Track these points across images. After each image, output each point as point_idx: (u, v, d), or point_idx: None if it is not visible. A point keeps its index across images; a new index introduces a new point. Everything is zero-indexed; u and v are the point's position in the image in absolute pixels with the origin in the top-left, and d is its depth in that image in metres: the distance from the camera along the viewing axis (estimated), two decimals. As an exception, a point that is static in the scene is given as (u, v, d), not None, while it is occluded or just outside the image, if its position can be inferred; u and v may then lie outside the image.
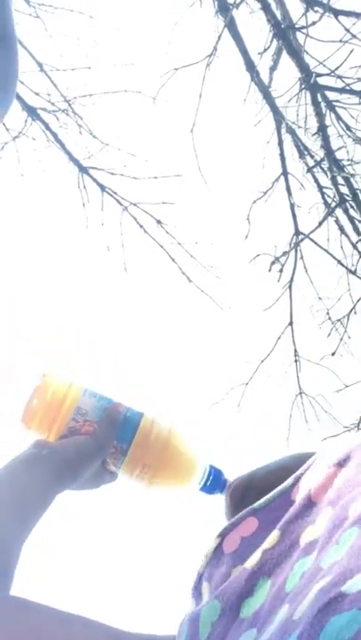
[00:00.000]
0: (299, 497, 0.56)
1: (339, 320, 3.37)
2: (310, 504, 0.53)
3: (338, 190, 3.17)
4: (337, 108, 3.07)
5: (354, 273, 3.27)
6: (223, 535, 0.60)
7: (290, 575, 0.48)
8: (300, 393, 3.55)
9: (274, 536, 0.53)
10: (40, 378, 0.84)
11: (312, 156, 3.16)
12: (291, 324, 3.42)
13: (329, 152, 3.07)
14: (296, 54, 2.82)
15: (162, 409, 0.88)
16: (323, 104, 3.01)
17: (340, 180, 3.15)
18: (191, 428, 0.87)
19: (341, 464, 0.54)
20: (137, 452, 0.82)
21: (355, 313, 3.34)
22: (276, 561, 0.51)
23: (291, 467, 0.61)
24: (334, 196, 3.19)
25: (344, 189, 3.19)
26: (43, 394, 0.82)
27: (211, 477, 0.81)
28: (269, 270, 3.08)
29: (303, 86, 2.90)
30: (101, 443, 0.79)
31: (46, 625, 0.59)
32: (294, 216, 3.29)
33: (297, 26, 2.74)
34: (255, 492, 0.61)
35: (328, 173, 3.13)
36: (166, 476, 0.83)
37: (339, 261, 3.26)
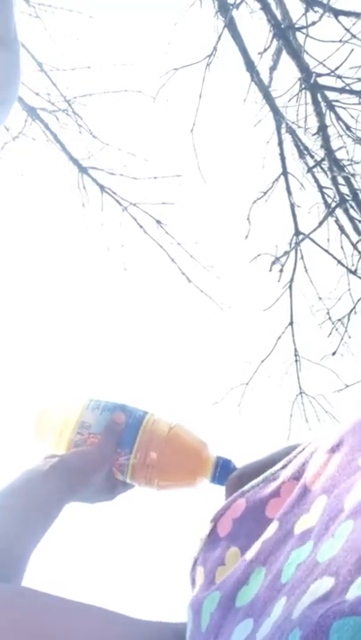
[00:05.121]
0: (287, 477, 0.57)
1: (339, 320, 3.37)
2: (305, 492, 0.53)
3: (338, 190, 3.17)
4: (337, 108, 3.06)
5: (354, 273, 3.27)
6: (216, 519, 0.61)
7: (285, 565, 0.48)
8: (301, 393, 3.55)
9: (273, 527, 0.53)
10: (45, 396, 0.87)
11: (312, 156, 3.16)
12: (291, 323, 3.42)
13: (329, 152, 3.07)
14: (296, 54, 2.81)
15: (164, 409, 0.88)
16: (323, 104, 3.01)
17: (340, 180, 3.14)
18: (199, 427, 0.87)
19: (334, 449, 0.54)
20: (138, 455, 0.82)
21: (355, 313, 3.34)
22: (271, 549, 0.51)
23: (285, 456, 0.62)
24: (334, 196, 3.19)
25: (344, 189, 3.19)
26: (48, 412, 0.86)
27: (219, 468, 0.81)
28: (270, 270, 3.08)
29: (303, 86, 2.90)
30: (103, 452, 0.82)
31: (45, 614, 0.60)
32: (294, 216, 3.29)
33: (297, 26, 2.74)
34: (250, 480, 0.62)
35: (328, 173, 3.13)
36: (172, 474, 0.83)
37: (339, 261, 3.26)
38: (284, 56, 2.89)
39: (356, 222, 3.24)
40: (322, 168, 3.17)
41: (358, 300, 3.31)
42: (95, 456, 0.81)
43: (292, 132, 3.08)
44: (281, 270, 3.15)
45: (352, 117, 3.04)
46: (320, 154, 3.11)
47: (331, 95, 3.01)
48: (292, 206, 3.26)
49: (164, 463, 0.82)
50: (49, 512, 0.76)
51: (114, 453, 0.82)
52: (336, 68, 2.78)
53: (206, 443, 0.85)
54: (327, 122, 3.03)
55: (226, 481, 0.79)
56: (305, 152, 3.15)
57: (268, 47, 2.82)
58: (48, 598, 0.61)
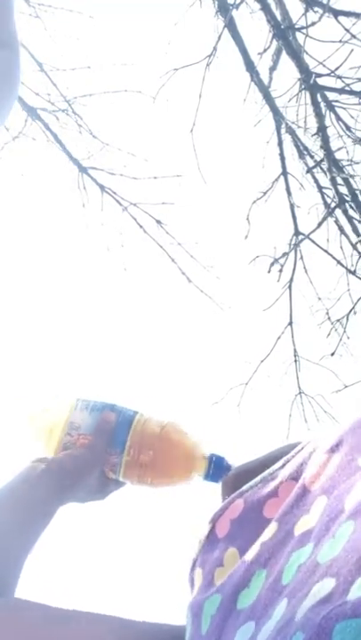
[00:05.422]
0: (285, 477, 0.57)
1: (338, 320, 3.37)
2: (304, 492, 0.53)
3: (337, 191, 3.17)
4: (337, 109, 3.07)
5: (353, 273, 3.27)
6: (214, 520, 0.60)
7: (286, 567, 0.48)
8: (300, 393, 3.55)
9: (272, 528, 0.53)
10: (38, 397, 0.87)
11: (312, 157, 3.16)
12: (290, 324, 3.42)
13: (329, 152, 3.07)
14: (296, 54, 2.81)
15: (161, 409, 0.88)
16: (322, 104, 3.01)
17: (339, 180, 3.15)
18: (191, 425, 0.87)
19: (334, 449, 0.53)
20: (131, 453, 0.82)
21: (354, 313, 3.34)
22: (271, 551, 0.51)
23: (283, 455, 0.62)
24: (334, 197, 3.19)
25: (343, 190, 3.19)
26: (40, 413, 0.85)
27: (213, 465, 0.81)
28: (269, 272, 3.08)
29: (303, 87, 2.90)
30: (95, 452, 0.81)
31: (40, 626, 0.60)
32: (294, 216, 3.30)
33: (297, 26, 2.74)
34: (247, 479, 0.62)
35: (328, 174, 3.13)
36: (165, 471, 0.83)
37: (338, 261, 3.26)
38: (284, 56, 2.89)
39: (356, 223, 3.24)
40: (321, 168, 3.17)
41: (358, 301, 3.31)
42: (87, 457, 0.80)
43: (291, 132, 3.08)
44: (280, 270, 3.15)
45: (352, 118, 3.04)
46: (320, 154, 3.11)
47: (331, 95, 3.02)
48: (292, 206, 3.27)
49: (156, 461, 0.82)
50: (42, 516, 0.76)
51: (105, 453, 0.82)
52: (336, 69, 2.78)
53: (199, 440, 0.84)
54: (327, 122, 3.03)
55: (220, 478, 0.79)
56: (305, 152, 3.15)
57: (268, 47, 2.83)
58: (43, 609, 0.61)
